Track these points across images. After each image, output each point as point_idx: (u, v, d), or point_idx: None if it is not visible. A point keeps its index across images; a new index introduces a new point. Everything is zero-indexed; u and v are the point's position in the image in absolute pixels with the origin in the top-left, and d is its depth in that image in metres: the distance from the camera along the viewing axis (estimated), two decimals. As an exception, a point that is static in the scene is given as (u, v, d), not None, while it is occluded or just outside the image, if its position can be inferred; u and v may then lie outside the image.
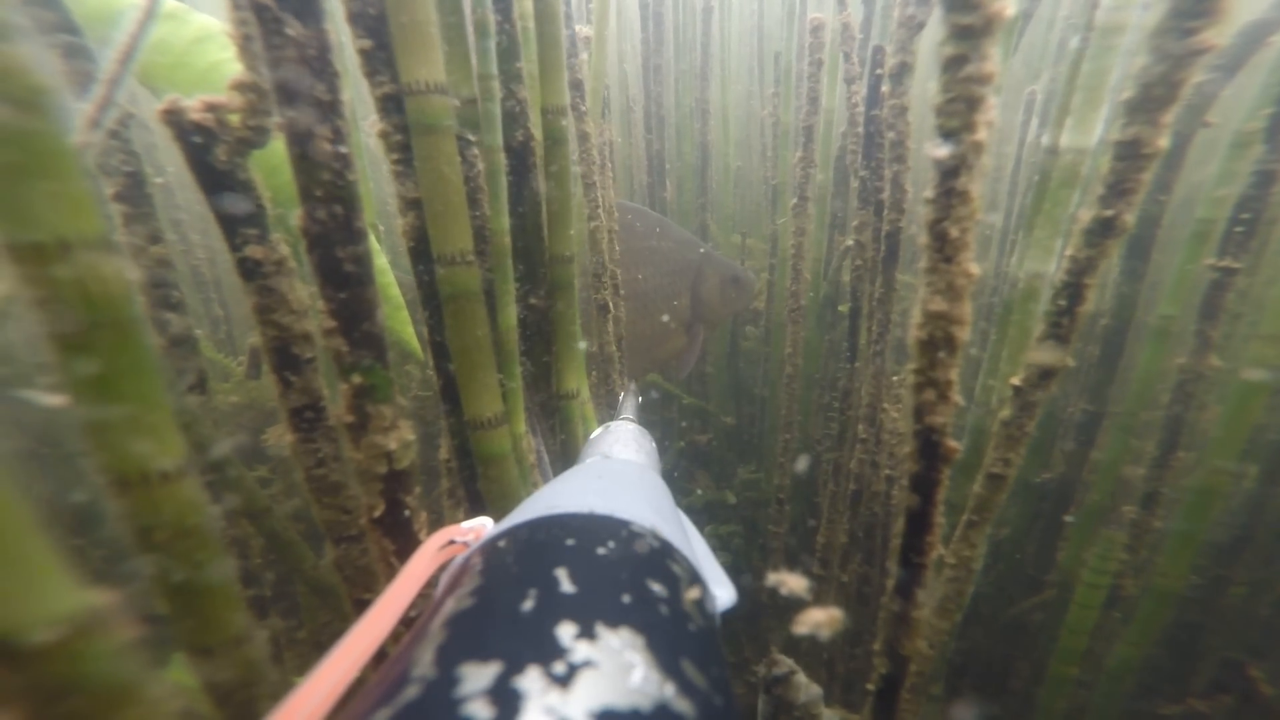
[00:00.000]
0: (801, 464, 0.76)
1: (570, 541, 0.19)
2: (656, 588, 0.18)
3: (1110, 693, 0.57)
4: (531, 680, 0.13)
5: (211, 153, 0.30)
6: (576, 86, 0.62)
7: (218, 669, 0.26)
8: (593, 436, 0.45)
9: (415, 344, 0.67)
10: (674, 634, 0.16)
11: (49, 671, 0.17)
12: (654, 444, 0.46)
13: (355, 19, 0.37)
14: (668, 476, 1.20)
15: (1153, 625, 0.55)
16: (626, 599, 0.17)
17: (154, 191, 0.45)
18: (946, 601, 0.60)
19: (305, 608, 0.78)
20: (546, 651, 0.14)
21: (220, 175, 0.31)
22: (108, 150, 0.41)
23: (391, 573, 0.39)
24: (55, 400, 0.34)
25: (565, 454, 0.58)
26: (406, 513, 0.41)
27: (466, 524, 0.28)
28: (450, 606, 0.17)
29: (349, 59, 0.44)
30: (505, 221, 0.47)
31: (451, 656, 0.14)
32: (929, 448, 0.31)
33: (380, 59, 0.38)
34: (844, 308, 1.11)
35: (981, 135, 0.24)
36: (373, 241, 0.40)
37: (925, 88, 0.65)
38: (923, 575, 0.35)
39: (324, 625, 0.78)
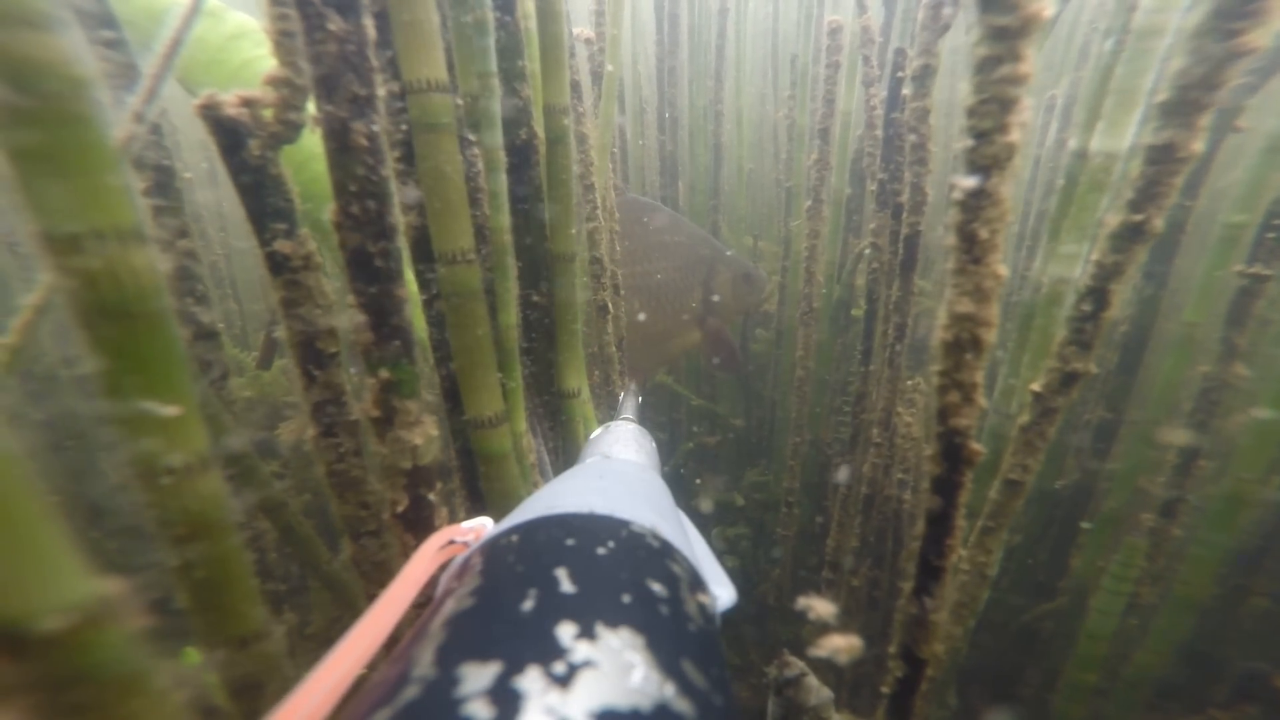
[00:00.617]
0: (842, 474, 0.76)
1: (570, 541, 0.19)
2: (656, 588, 0.18)
3: (1128, 700, 0.57)
4: (531, 680, 0.13)
5: (245, 147, 0.30)
6: (574, 88, 0.62)
7: (236, 664, 0.27)
8: (593, 436, 0.46)
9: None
10: (674, 634, 0.16)
11: (57, 660, 0.17)
12: (654, 444, 0.46)
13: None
14: (676, 476, 1.20)
15: (1174, 633, 0.54)
16: (626, 599, 0.17)
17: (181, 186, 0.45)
18: (960, 607, 0.60)
19: (316, 603, 0.79)
20: (546, 651, 0.14)
21: (253, 170, 0.31)
22: (142, 144, 0.41)
23: (412, 569, 0.39)
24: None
25: (565, 454, 0.58)
26: (428, 508, 0.41)
27: (466, 524, 0.28)
28: (450, 606, 0.17)
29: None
30: (505, 219, 0.47)
31: (451, 656, 0.14)
32: (952, 450, 0.31)
33: (383, 57, 0.38)
34: (857, 311, 1.11)
35: (1015, 137, 0.24)
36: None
37: (941, 91, 0.64)
38: (942, 578, 0.35)
39: (335, 620, 0.78)
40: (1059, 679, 0.81)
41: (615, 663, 0.14)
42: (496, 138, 0.45)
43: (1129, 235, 0.37)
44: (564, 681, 0.13)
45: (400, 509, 0.41)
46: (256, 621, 0.27)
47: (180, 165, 0.48)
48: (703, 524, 1.19)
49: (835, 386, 1.09)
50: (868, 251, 0.75)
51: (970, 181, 0.25)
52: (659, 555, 0.20)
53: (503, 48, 0.46)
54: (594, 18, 0.75)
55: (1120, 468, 0.69)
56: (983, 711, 0.88)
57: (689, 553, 0.22)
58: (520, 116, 0.49)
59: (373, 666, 0.19)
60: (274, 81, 0.31)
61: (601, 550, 0.19)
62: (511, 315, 0.49)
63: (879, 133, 0.72)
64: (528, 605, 0.16)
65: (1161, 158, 0.32)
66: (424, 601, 0.23)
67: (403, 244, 0.45)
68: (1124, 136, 0.43)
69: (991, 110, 0.23)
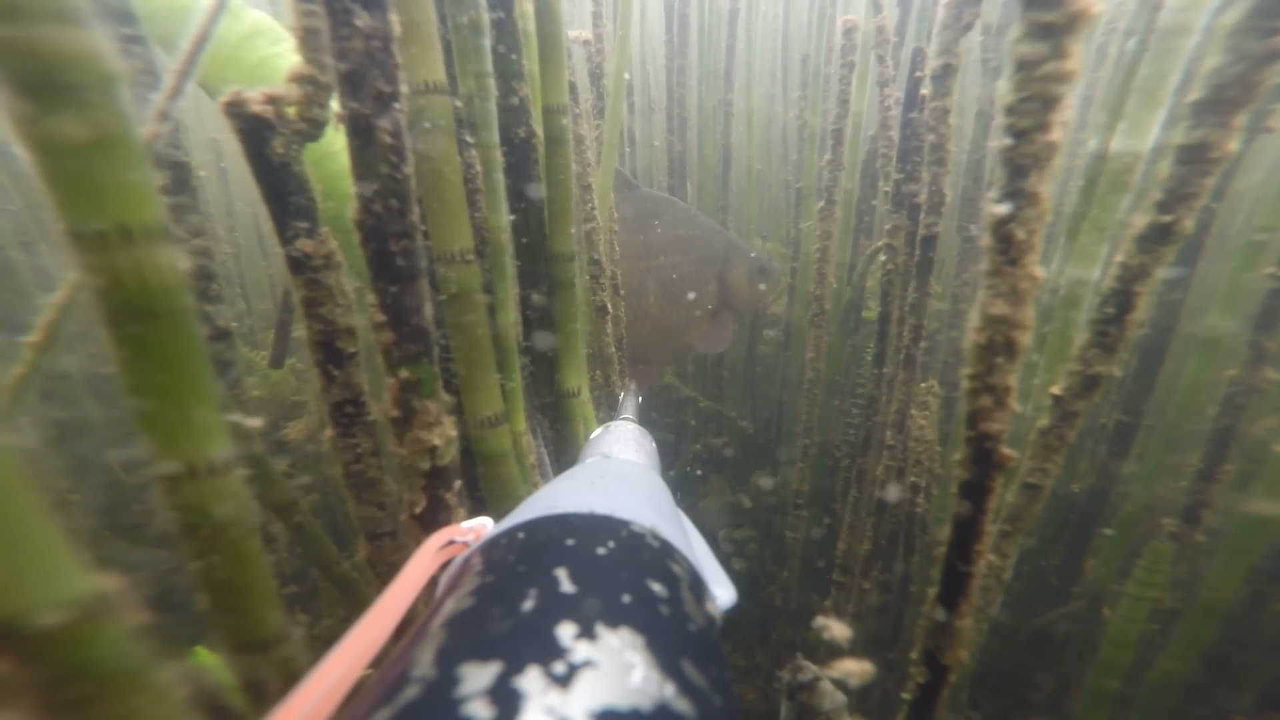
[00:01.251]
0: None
1: (570, 541, 0.19)
2: (656, 588, 0.18)
3: (1152, 707, 0.56)
4: (531, 680, 0.13)
5: (269, 145, 0.30)
6: (571, 89, 0.62)
7: (256, 667, 0.26)
8: (593, 436, 0.46)
9: None
10: (674, 634, 0.16)
11: (55, 656, 0.16)
12: (654, 444, 0.46)
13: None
14: (684, 478, 1.20)
15: (1199, 639, 0.54)
16: (626, 599, 0.17)
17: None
18: (975, 611, 0.60)
19: (326, 603, 0.79)
20: (546, 651, 0.14)
21: (276, 168, 0.31)
22: (164, 142, 0.41)
23: (429, 570, 0.39)
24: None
25: (565, 454, 0.58)
26: (446, 509, 0.41)
27: (466, 524, 0.28)
28: (450, 606, 0.17)
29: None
30: (503, 219, 0.47)
31: (451, 656, 0.14)
32: (983, 455, 0.30)
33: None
34: (868, 313, 1.10)
35: (1056, 135, 0.23)
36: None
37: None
38: (969, 585, 0.34)
39: (344, 620, 0.78)
40: (1074, 684, 0.80)
41: (615, 663, 0.14)
42: (493, 137, 0.45)
43: (1157, 236, 0.36)
44: (564, 681, 0.13)
45: (418, 510, 0.40)
46: (276, 625, 0.27)
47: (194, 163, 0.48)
48: (710, 526, 1.19)
49: (845, 389, 1.09)
50: (882, 257, 0.74)
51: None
52: (659, 555, 0.20)
53: (500, 47, 0.46)
54: (593, 19, 0.75)
55: (1138, 470, 0.69)
56: (995, 716, 0.87)
57: (689, 553, 0.22)
58: (519, 116, 0.49)
59: (373, 666, 0.18)
60: (298, 78, 0.31)
61: (601, 550, 0.19)
62: (510, 315, 0.49)
63: (894, 133, 0.71)
64: (528, 605, 0.16)
65: (1193, 157, 0.32)
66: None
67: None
68: (1147, 137, 0.43)
69: (1033, 108, 0.23)
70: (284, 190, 0.33)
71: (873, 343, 0.98)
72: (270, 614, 0.28)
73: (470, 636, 0.15)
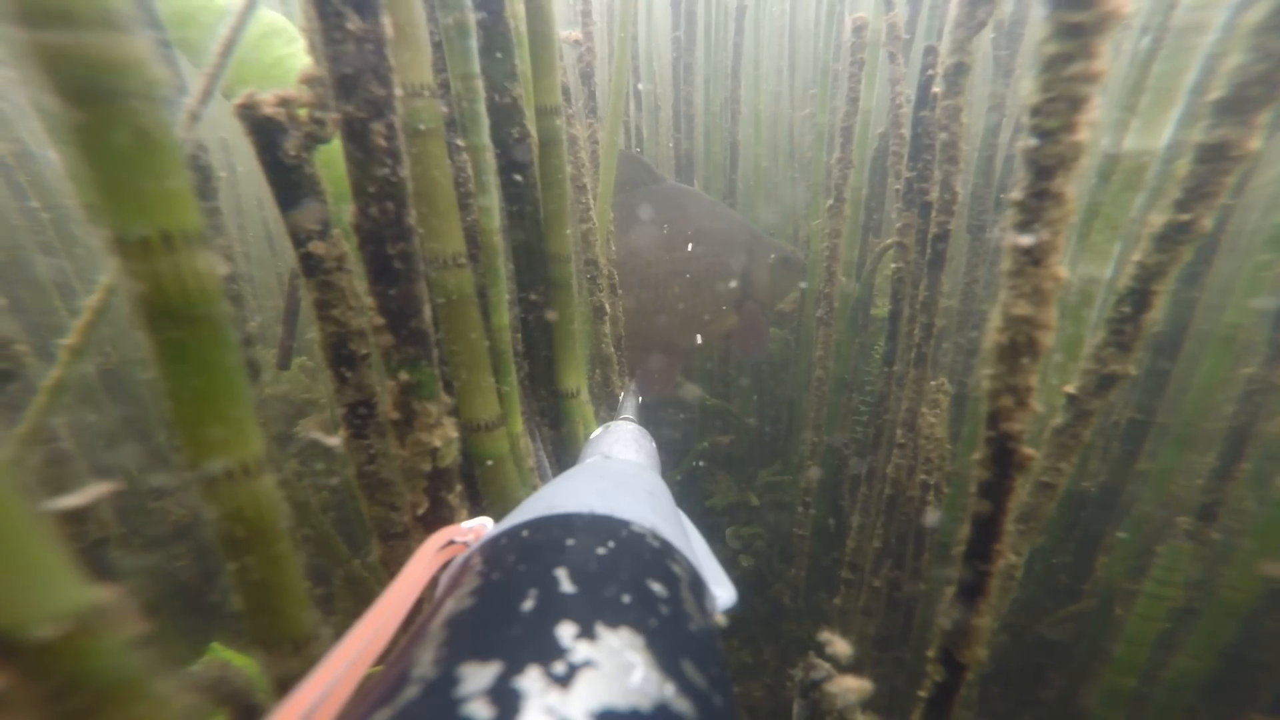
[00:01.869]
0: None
1: (570, 541, 0.19)
2: (656, 588, 0.18)
3: (1169, 706, 0.56)
4: (531, 680, 0.13)
5: (282, 147, 0.30)
6: (563, 90, 0.62)
7: (288, 667, 0.26)
8: (593, 436, 0.46)
9: None
10: (674, 634, 0.16)
11: (52, 667, 0.17)
12: (654, 444, 0.46)
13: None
14: (691, 474, 1.20)
15: (1217, 638, 0.53)
16: (626, 599, 0.17)
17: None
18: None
19: (338, 597, 0.79)
20: (546, 651, 0.14)
21: (289, 170, 0.31)
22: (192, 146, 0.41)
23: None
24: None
25: (565, 454, 0.58)
26: (448, 511, 0.41)
27: (466, 524, 0.28)
28: (450, 606, 0.17)
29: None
30: (495, 221, 0.47)
31: (451, 656, 0.14)
32: (1003, 455, 0.30)
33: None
34: (877, 311, 1.10)
35: (1083, 136, 0.23)
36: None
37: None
38: (988, 584, 0.34)
39: (354, 615, 0.78)
40: (1085, 682, 0.80)
41: (615, 663, 0.14)
42: (483, 139, 0.45)
43: (1175, 235, 0.36)
44: (564, 681, 0.13)
45: (421, 511, 0.40)
46: (308, 625, 0.27)
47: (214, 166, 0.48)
48: (716, 523, 1.19)
49: (853, 386, 1.08)
50: (890, 244, 0.74)
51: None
52: (659, 555, 0.20)
53: (493, 47, 0.46)
54: (581, 18, 0.75)
55: (1152, 468, 0.68)
56: (1005, 714, 0.87)
57: (689, 553, 0.22)
58: (512, 117, 0.49)
59: (373, 666, 0.19)
60: (310, 80, 0.31)
61: (601, 550, 0.19)
62: (504, 317, 0.49)
63: (905, 131, 0.71)
64: (528, 605, 0.16)
65: (1213, 156, 0.32)
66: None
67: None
68: (1160, 135, 0.43)
69: (1059, 109, 0.23)
70: (296, 192, 0.33)
71: (882, 340, 0.98)
72: (303, 614, 0.28)
73: (470, 636, 0.15)
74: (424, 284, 0.36)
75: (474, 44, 0.43)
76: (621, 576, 0.18)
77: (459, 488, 0.41)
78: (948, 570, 0.34)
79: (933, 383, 0.72)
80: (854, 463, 1.05)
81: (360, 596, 0.72)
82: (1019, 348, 0.28)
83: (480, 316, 0.44)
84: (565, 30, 0.72)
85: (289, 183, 0.32)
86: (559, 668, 0.13)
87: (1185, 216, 0.35)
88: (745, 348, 1.15)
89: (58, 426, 0.52)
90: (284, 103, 0.31)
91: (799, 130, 1.56)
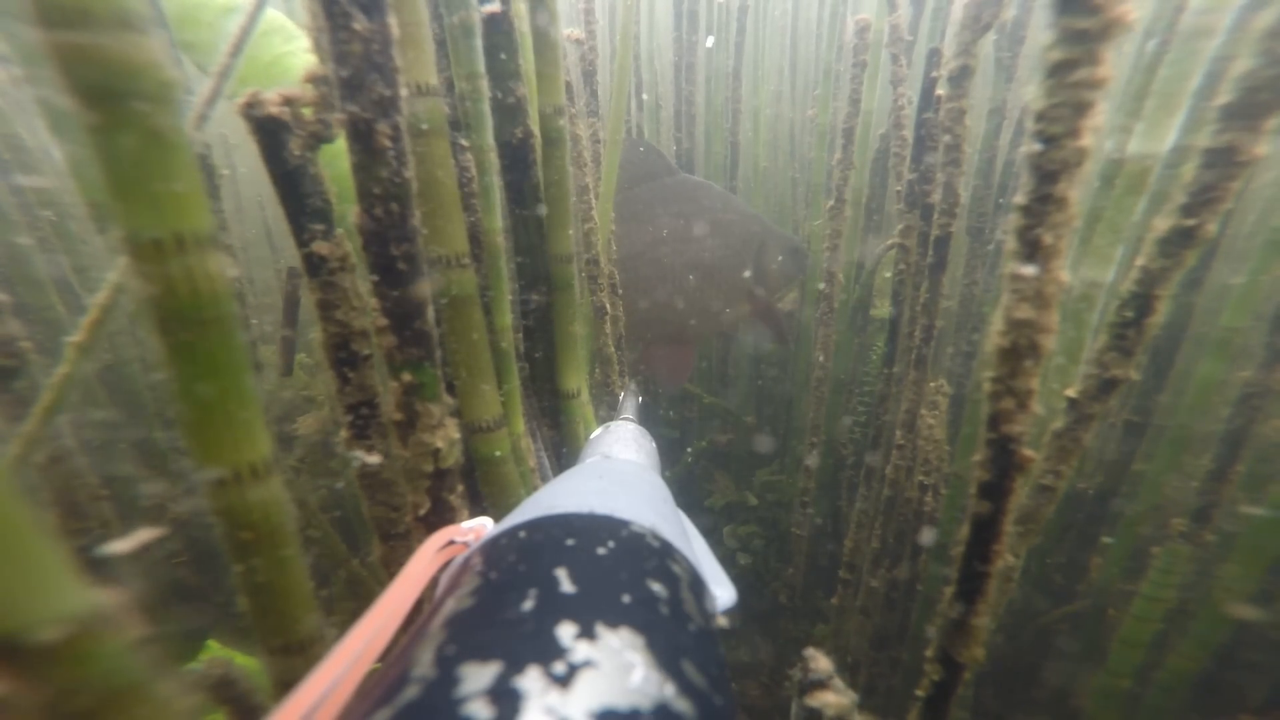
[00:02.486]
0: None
1: (570, 541, 0.19)
2: (656, 588, 0.18)
3: (1162, 705, 0.56)
4: (531, 680, 0.13)
5: (286, 147, 0.30)
6: (566, 89, 0.62)
7: (293, 667, 0.26)
8: (593, 436, 0.46)
9: None
10: (674, 634, 0.16)
11: (55, 671, 0.17)
12: (654, 444, 0.46)
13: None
14: (690, 473, 1.20)
15: (1211, 638, 0.53)
16: (626, 599, 0.17)
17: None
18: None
19: (338, 598, 0.79)
20: (546, 651, 0.14)
21: (293, 170, 0.31)
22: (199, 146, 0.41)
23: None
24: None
25: (565, 454, 0.58)
26: (450, 511, 0.41)
27: (466, 524, 0.28)
28: (450, 606, 0.17)
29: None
30: (497, 221, 0.47)
31: (451, 656, 0.14)
32: (1003, 456, 0.30)
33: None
34: (876, 312, 1.10)
35: (1087, 141, 0.23)
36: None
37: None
38: (987, 584, 0.34)
39: (354, 614, 0.78)
40: (1079, 682, 0.80)
41: (615, 663, 0.14)
42: (487, 139, 0.45)
43: (1179, 240, 0.36)
44: (564, 681, 0.13)
45: (422, 512, 0.41)
46: (313, 627, 0.27)
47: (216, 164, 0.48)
48: (715, 523, 1.19)
49: (852, 387, 1.09)
50: (892, 244, 0.74)
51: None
52: (659, 555, 0.20)
53: (497, 47, 0.45)
54: (584, 16, 0.75)
55: (1148, 469, 0.69)
56: (1000, 714, 0.88)
57: (689, 553, 0.22)
58: (516, 117, 0.48)
59: (373, 666, 0.19)
60: (314, 79, 0.31)
61: (601, 550, 0.19)
62: (507, 318, 0.49)
63: (906, 133, 0.71)
64: (528, 605, 0.16)
65: (1220, 161, 0.32)
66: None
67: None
68: (1164, 139, 0.43)
69: (1063, 114, 0.23)
70: (300, 192, 0.33)
71: (881, 341, 0.98)
72: (308, 615, 0.28)
73: (470, 636, 0.15)
74: (427, 285, 0.36)
75: (479, 43, 0.43)
76: (621, 576, 0.18)
77: (460, 488, 0.41)
78: (946, 570, 0.34)
79: (932, 384, 0.72)
80: (852, 462, 1.05)
81: (361, 596, 0.72)
82: (1021, 350, 0.28)
83: (482, 317, 0.44)
84: (568, 29, 0.72)
85: (293, 182, 0.32)
86: (559, 668, 0.13)
87: (1190, 221, 0.35)
88: (760, 336, 1.18)
89: (60, 423, 0.52)
90: (288, 102, 0.31)
91: (799, 131, 1.56)
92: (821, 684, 0.38)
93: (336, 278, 0.36)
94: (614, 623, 0.15)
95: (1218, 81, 0.39)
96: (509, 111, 0.48)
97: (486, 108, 0.44)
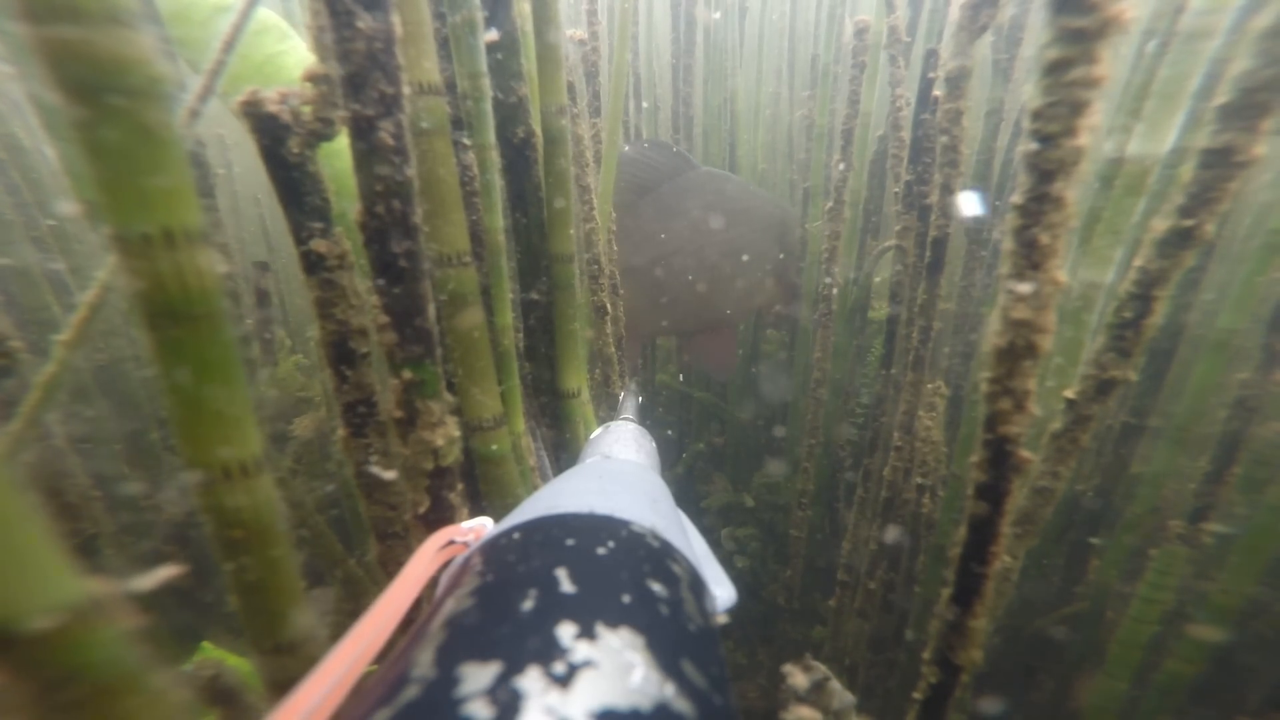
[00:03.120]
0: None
1: (570, 541, 0.19)
2: (656, 588, 0.18)
3: (1159, 708, 0.56)
4: (531, 680, 0.13)
5: (285, 145, 0.30)
6: (569, 89, 0.62)
7: (285, 667, 0.26)
8: (593, 436, 0.46)
9: None
10: (674, 634, 0.16)
11: (48, 660, 0.16)
12: (654, 444, 0.46)
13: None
14: (688, 476, 1.20)
15: (1209, 641, 0.54)
16: (626, 599, 0.17)
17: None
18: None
19: (335, 598, 0.79)
20: (546, 651, 0.14)
21: (291, 168, 0.31)
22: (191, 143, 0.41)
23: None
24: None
25: (565, 454, 0.58)
26: (450, 510, 0.41)
27: (466, 524, 0.28)
28: (450, 606, 0.17)
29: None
30: (499, 220, 0.47)
31: (451, 656, 0.14)
32: (1001, 458, 0.30)
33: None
34: (874, 313, 1.10)
35: (1083, 141, 0.23)
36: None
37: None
38: (984, 585, 0.34)
39: (350, 615, 0.78)
40: (1076, 684, 0.80)
41: (615, 663, 0.14)
42: (489, 138, 0.45)
43: (1177, 240, 0.36)
44: (564, 681, 0.13)
45: (422, 510, 0.40)
46: (305, 626, 0.27)
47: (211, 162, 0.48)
48: (712, 524, 1.19)
49: (850, 389, 1.09)
50: (890, 246, 0.74)
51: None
52: (659, 555, 0.20)
53: (499, 46, 0.45)
54: (587, 17, 0.75)
55: (1145, 471, 0.69)
56: (997, 716, 0.88)
57: (689, 553, 0.22)
58: (518, 115, 0.48)
59: (373, 666, 0.19)
60: (313, 78, 0.31)
61: (601, 550, 0.19)
62: (508, 317, 0.49)
63: (905, 134, 0.71)
64: (527, 605, 0.16)
65: (1218, 161, 0.32)
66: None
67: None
68: (1165, 140, 0.43)
69: (1060, 113, 0.23)
70: (299, 190, 0.33)
71: (879, 343, 0.98)
72: (300, 615, 0.28)
73: (470, 636, 0.15)
74: (428, 282, 0.36)
75: (482, 42, 0.43)
76: (621, 576, 0.18)
77: (460, 487, 0.41)
78: (944, 572, 0.34)
79: (930, 385, 0.72)
80: (850, 464, 1.05)
81: (357, 597, 0.72)
82: (1018, 351, 0.28)
83: (484, 315, 0.44)
84: (570, 29, 0.73)
85: (291, 180, 0.32)
86: (559, 668, 0.13)
87: (1188, 222, 0.35)
88: (782, 313, 1.21)
89: (51, 422, 0.51)
90: (287, 100, 0.31)
91: (798, 132, 1.56)
92: (800, 698, 0.38)
93: (335, 275, 0.35)
94: (614, 623, 0.15)
95: (1217, 82, 0.39)
96: (510, 110, 0.48)
97: (489, 107, 0.45)
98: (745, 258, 1.08)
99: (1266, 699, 0.73)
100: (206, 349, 0.21)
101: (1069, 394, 0.45)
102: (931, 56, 0.59)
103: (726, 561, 1.19)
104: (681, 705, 0.14)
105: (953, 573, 0.34)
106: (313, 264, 0.35)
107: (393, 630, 0.20)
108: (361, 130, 0.31)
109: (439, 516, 0.41)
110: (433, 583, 0.24)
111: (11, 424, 0.37)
